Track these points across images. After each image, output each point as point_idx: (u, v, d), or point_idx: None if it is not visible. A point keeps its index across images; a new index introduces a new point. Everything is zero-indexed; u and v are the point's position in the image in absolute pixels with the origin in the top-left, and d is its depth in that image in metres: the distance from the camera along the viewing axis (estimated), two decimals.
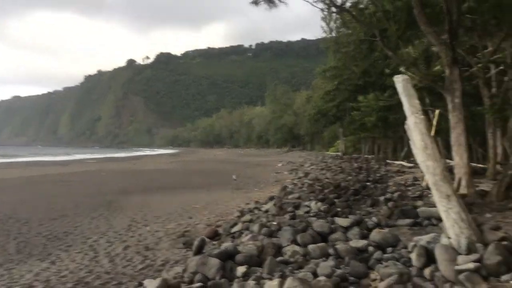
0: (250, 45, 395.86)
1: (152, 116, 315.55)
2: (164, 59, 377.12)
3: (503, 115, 16.41)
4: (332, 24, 33.97)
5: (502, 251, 4.66)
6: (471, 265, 4.52)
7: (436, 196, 5.23)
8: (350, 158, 41.24)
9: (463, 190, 9.80)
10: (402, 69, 14.51)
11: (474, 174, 14.75)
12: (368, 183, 15.93)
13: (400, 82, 5.60)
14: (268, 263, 5.47)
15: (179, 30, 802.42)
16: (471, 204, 9.21)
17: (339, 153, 50.02)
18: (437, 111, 12.90)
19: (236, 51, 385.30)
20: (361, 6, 15.84)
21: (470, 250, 4.78)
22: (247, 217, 10.27)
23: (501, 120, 16.98)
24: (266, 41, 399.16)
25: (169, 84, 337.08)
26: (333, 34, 34.49)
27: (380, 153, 38.83)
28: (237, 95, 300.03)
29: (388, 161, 30.18)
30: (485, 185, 11.93)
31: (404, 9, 12.09)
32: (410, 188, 13.54)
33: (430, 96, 20.36)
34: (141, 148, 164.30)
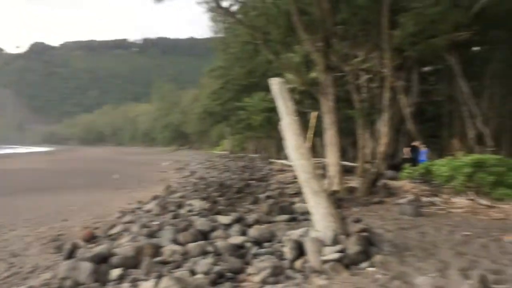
0: (136, 40, 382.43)
1: (24, 110, 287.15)
2: (38, 49, 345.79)
3: (370, 118, 18.13)
4: (220, 24, 34.29)
5: (361, 241, 5.18)
6: (335, 255, 4.94)
7: (307, 193, 5.61)
8: (237, 157, 42.09)
9: (335, 186, 10.63)
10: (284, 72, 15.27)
11: (347, 172, 16.10)
12: (251, 182, 16.43)
13: (275, 84, 5.89)
14: (145, 264, 5.36)
15: (56, 16, 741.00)
16: (342, 200, 10.06)
17: (226, 152, 50.76)
18: (314, 113, 13.78)
19: (120, 45, 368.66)
20: (245, 9, 16.27)
21: (335, 241, 5.22)
22: (128, 217, 9.91)
23: (369, 122, 18.72)
24: (153, 36, 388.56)
25: (44, 76, 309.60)
26: (221, 34, 34.83)
27: (264, 152, 40.23)
28: (121, 91, 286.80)
29: (271, 160, 31.42)
30: (354, 182, 13.04)
31: (285, 15, 12.68)
32: (289, 185, 14.26)
33: (310, 99, 21.66)
34: (10, 146, 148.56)
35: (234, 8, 16.42)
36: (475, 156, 11.74)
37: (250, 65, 28.93)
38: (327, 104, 10.95)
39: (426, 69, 24.32)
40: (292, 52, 17.50)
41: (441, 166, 11.88)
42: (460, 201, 10.13)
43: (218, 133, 63.62)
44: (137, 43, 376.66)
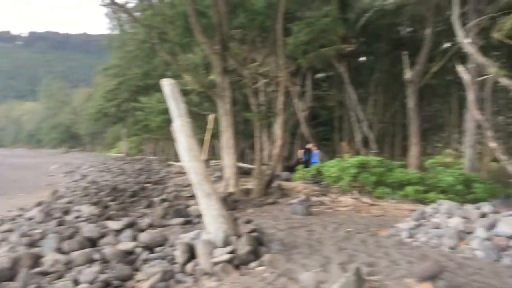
0: (21, 33, 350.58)
1: None
2: None
3: (268, 121, 18.66)
4: (115, 21, 32.83)
5: (251, 242, 5.28)
6: (226, 257, 4.97)
7: (199, 195, 5.59)
8: (133, 159, 40.65)
9: (231, 188, 10.75)
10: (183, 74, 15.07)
11: (245, 174, 16.40)
12: (147, 185, 15.96)
13: (167, 85, 5.79)
14: (22, 275, 4.91)
15: None
16: (237, 201, 10.19)
17: (122, 155, 48.75)
18: (212, 116, 13.81)
19: (2, 37, 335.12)
20: (142, 7, 15.80)
21: (226, 243, 5.26)
22: (6, 226, 9.01)
23: (267, 125, 19.26)
24: (40, 30, 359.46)
25: None
26: (117, 32, 33.38)
27: (162, 155, 39.40)
28: (3, 88, 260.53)
29: (170, 162, 30.86)
30: (251, 184, 13.28)
31: (182, 16, 12.55)
32: (186, 188, 14.10)
33: (209, 101, 21.69)
34: None
35: (131, 5, 15.88)
36: (360, 158, 12.68)
37: (148, 65, 28.13)
38: (223, 107, 11.04)
39: (319, 75, 25.76)
40: (191, 54, 17.37)
41: (330, 167, 12.64)
42: (346, 199, 10.86)
43: (113, 135, 60.84)
44: (22, 36, 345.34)
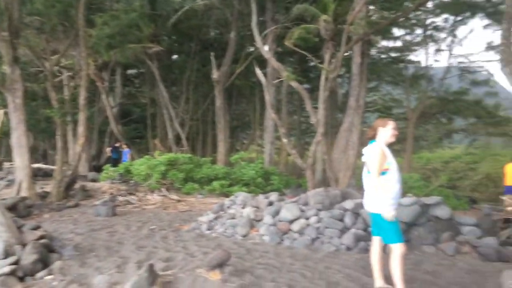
0: None
1: None
2: None
3: (73, 118, 17.26)
4: None
5: (39, 249, 4.82)
6: (6, 269, 4.43)
7: None
8: None
9: (24, 192, 9.62)
10: None
11: (47, 176, 14.87)
12: None
13: None
14: None
15: None
16: (31, 206, 9.19)
17: None
18: (1, 111, 12.16)
19: None
20: None
21: (7, 253, 4.68)
22: None
23: (73, 123, 17.79)
24: None
25: None
26: None
27: None
28: None
29: None
30: (50, 186, 12.18)
31: None
32: None
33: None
34: None
35: None
36: (169, 155, 12.84)
37: None
38: (14, 101, 9.79)
39: (131, 72, 25.09)
40: None
41: (139, 165, 12.48)
42: (154, 197, 10.85)
43: None
44: None
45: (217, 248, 5.44)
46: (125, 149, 16.98)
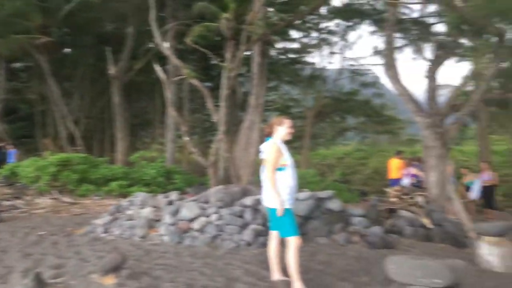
0: None
1: None
2: None
3: None
4: None
5: None
6: None
7: None
8: None
9: None
10: None
11: None
12: None
13: None
14: None
15: None
16: None
17: None
18: None
19: None
20: None
21: None
22: None
23: None
24: None
25: None
26: None
27: None
28: None
29: None
30: None
31: None
32: None
33: None
34: None
35: None
36: (60, 156, 12.01)
37: None
38: None
39: (16, 65, 23.01)
40: None
41: (26, 167, 11.52)
42: (44, 201, 10.09)
43: None
44: None
45: (113, 251, 5.21)
46: (11, 150, 15.53)
